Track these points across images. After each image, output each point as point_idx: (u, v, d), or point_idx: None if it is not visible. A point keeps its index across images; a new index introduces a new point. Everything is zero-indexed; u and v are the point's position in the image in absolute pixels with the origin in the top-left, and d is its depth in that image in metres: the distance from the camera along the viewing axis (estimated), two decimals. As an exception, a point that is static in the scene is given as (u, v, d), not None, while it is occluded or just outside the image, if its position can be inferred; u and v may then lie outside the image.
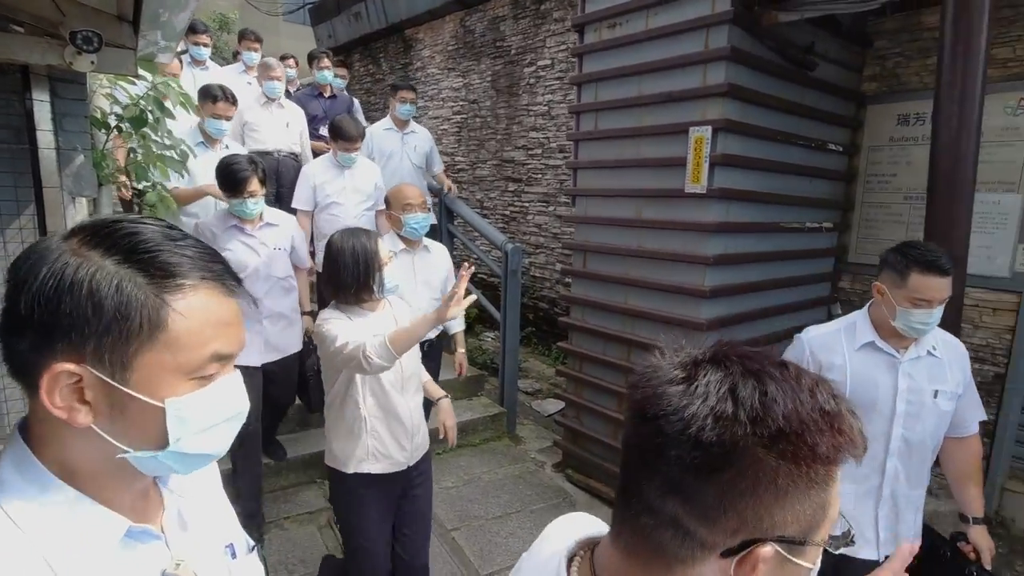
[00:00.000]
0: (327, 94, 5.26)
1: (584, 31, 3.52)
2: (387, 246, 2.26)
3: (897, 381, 1.80)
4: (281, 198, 4.33)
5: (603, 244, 3.49)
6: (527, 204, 5.44)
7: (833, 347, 1.88)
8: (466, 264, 1.94)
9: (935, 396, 1.80)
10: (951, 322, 2.66)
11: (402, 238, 2.98)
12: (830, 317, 3.89)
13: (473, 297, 2.05)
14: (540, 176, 5.43)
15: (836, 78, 3.50)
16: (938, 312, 1.70)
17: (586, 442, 3.64)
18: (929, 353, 1.82)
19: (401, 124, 4.59)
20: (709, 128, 2.88)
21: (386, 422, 2.10)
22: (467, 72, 6.24)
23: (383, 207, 3.19)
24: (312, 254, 3.61)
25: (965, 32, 2.36)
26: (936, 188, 2.55)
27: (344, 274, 2.01)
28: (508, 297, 4.24)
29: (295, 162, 4.57)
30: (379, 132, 4.57)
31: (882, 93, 3.63)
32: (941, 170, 2.52)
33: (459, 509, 3.27)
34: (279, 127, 4.52)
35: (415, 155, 4.64)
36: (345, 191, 3.76)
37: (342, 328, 1.96)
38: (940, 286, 1.67)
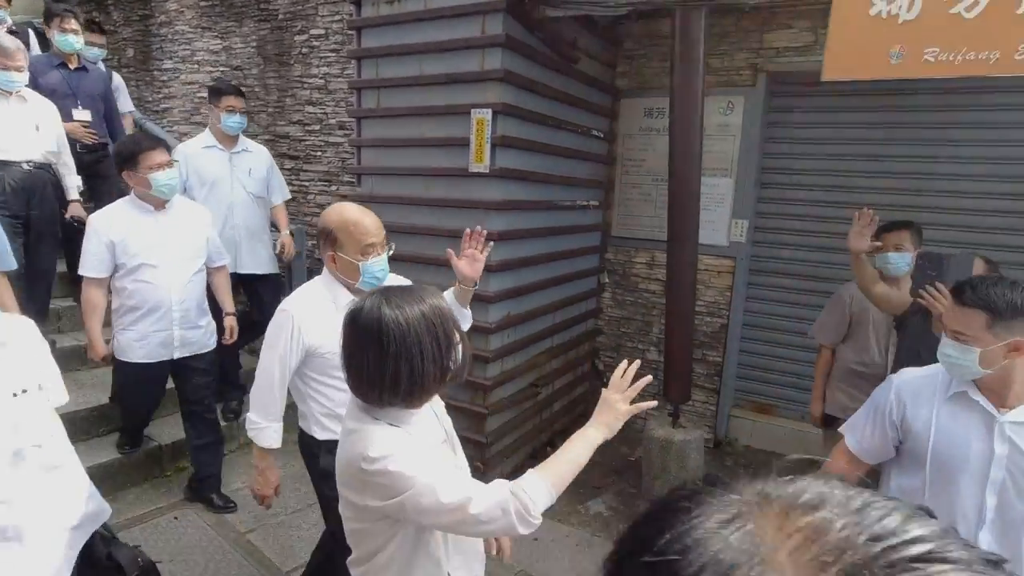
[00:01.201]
0: (73, 65, 3.97)
1: (361, 3, 3.38)
2: (335, 300, 1.86)
3: (994, 444, 1.50)
4: (32, 227, 3.37)
5: (392, 223, 3.42)
6: (307, 183, 5.10)
7: (923, 393, 1.62)
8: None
9: None
10: (687, 283, 3.20)
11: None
12: (599, 285, 4.40)
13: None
14: (320, 154, 5.12)
15: (596, 72, 3.91)
16: (956, 346, 1.50)
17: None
18: None
19: (228, 141, 3.57)
20: (489, 110, 3.00)
21: (468, 566, 1.45)
22: (227, 34, 5.56)
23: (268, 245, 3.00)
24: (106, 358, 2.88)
25: (687, 44, 2.80)
26: (674, 172, 3.01)
27: (421, 364, 1.21)
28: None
29: (51, 176, 3.50)
30: (196, 152, 3.49)
31: (632, 88, 4.15)
32: (676, 157, 2.98)
33: (252, 509, 3.00)
34: (24, 129, 3.28)
35: (251, 181, 3.62)
36: (163, 248, 2.79)
37: (426, 463, 1.21)
38: (955, 314, 1.51)
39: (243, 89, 3.97)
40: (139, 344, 2.81)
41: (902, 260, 2.59)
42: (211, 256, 3.02)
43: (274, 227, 3.87)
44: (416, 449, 1.23)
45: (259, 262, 3.73)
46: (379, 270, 1.88)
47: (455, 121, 3.14)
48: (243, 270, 3.63)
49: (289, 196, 3.92)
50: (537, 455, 3.86)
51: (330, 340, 1.71)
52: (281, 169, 5.25)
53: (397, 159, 3.38)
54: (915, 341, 2.39)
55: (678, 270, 3.10)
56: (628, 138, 4.22)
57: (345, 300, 1.80)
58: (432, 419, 1.40)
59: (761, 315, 4.14)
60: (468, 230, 2.02)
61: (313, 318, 1.84)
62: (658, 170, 4.07)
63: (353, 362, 1.24)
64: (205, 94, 5.90)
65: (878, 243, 2.53)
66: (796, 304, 3.99)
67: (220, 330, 3.14)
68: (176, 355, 2.90)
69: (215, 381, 3.21)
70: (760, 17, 3.67)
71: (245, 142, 3.67)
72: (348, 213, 1.87)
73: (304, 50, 5.00)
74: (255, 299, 3.84)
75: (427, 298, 1.25)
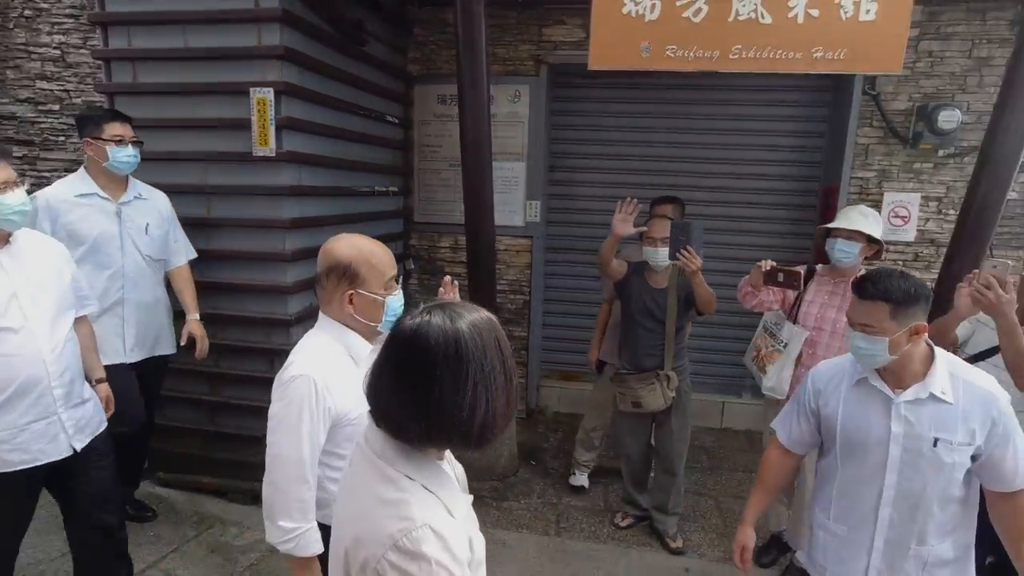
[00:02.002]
0: None
1: (101, -42, 2.91)
2: (351, 352, 1.53)
3: (891, 424, 1.64)
4: None
5: (165, 217, 3.04)
6: (47, 175, 4.26)
7: (833, 381, 1.77)
8: None
9: (935, 445, 1.60)
10: (487, 264, 3.34)
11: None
12: (406, 272, 4.39)
13: None
14: (64, 139, 4.31)
15: (387, 57, 3.86)
16: (864, 338, 1.60)
17: (177, 436, 3.20)
18: (934, 396, 1.61)
19: (115, 186, 2.62)
20: (271, 90, 2.80)
21: None
22: (-88, -12, 4.38)
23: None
24: None
25: (470, 32, 2.89)
26: (466, 158, 3.11)
27: (495, 394, 0.96)
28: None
29: None
30: (68, 203, 2.52)
31: (424, 75, 4.18)
32: (468, 143, 3.07)
33: None
34: None
35: (148, 241, 2.69)
36: (19, 301, 1.92)
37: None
38: (858, 308, 1.62)
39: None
40: (8, 446, 1.91)
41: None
42: (79, 300, 2.20)
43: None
44: (463, 542, 0.98)
45: (159, 343, 2.84)
46: (400, 306, 1.57)
47: (233, 101, 2.87)
48: (133, 358, 2.71)
49: (195, 255, 2.92)
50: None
51: (360, 403, 1.27)
52: (12, 159, 4.33)
53: (164, 143, 2.98)
54: (638, 293, 2.84)
55: (478, 252, 3.22)
56: (424, 124, 4.25)
57: (364, 350, 1.53)
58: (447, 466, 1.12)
59: (560, 289, 4.50)
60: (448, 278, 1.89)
61: (337, 378, 1.46)
62: (455, 156, 4.15)
63: (407, 395, 0.93)
64: None
65: (643, 228, 2.81)
66: (589, 277, 4.40)
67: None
68: (74, 446, 2.04)
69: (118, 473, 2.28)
70: (538, 13, 3.94)
71: (137, 186, 2.70)
72: (363, 243, 1.54)
73: (26, 13, 4.15)
74: (146, 390, 2.80)
75: (485, 313, 1.01)
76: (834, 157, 4.00)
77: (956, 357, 1.71)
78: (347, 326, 1.51)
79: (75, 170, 2.67)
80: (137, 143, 2.61)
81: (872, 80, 3.80)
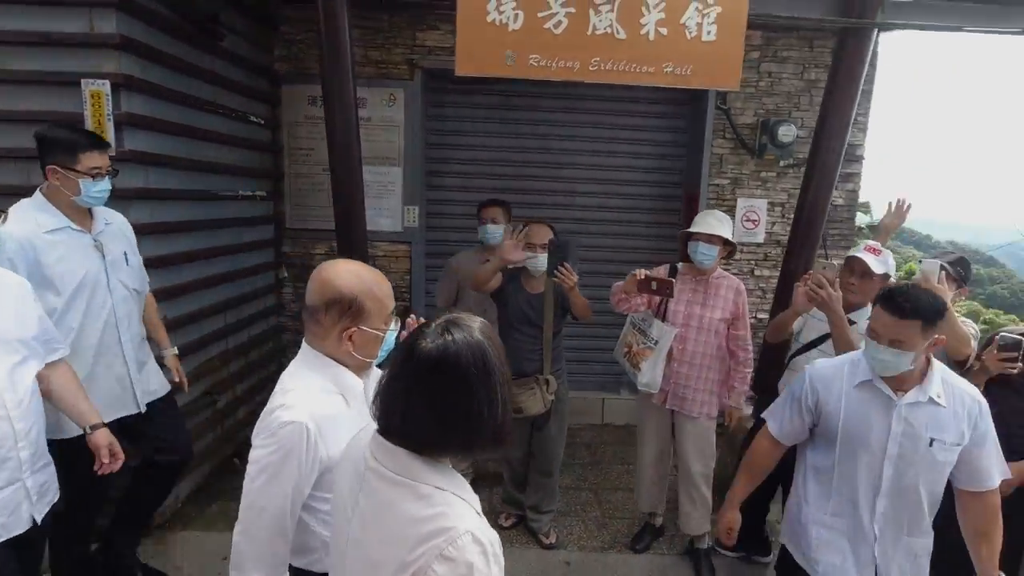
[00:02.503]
0: None
1: None
2: (343, 390, 1.39)
3: (891, 424, 1.76)
4: None
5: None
6: None
7: (833, 381, 1.87)
8: None
9: (930, 444, 1.73)
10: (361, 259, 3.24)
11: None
12: (277, 281, 4.17)
13: None
14: None
15: (250, 54, 3.65)
16: (894, 352, 1.69)
17: None
18: (931, 400, 1.75)
19: (84, 215, 2.22)
20: (107, 83, 2.54)
21: None
22: None
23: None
24: None
25: (333, 32, 2.80)
26: (335, 161, 3.01)
27: (508, 399, 1.02)
28: None
29: None
30: (39, 239, 2.08)
31: (293, 74, 4.01)
32: (336, 146, 2.98)
33: None
34: None
35: (129, 271, 2.35)
36: None
37: None
38: (888, 323, 1.69)
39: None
40: None
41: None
42: (46, 345, 1.85)
43: None
44: (498, 544, 1.00)
45: (154, 382, 2.49)
46: (394, 339, 1.47)
47: (60, 93, 2.57)
48: (141, 406, 2.40)
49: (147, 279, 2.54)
50: (225, 469, 3.49)
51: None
52: None
53: (-23, 138, 2.61)
54: (515, 300, 2.86)
55: (348, 254, 3.12)
56: (294, 126, 4.07)
57: (357, 388, 1.40)
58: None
59: (441, 295, 4.48)
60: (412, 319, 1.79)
61: (329, 423, 1.31)
62: (327, 160, 4.03)
63: (446, 413, 0.96)
64: None
65: (532, 256, 2.77)
66: (469, 282, 4.41)
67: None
68: (35, 517, 1.74)
69: None
70: (411, 17, 3.91)
71: (99, 211, 2.29)
72: (366, 274, 1.39)
73: None
74: (157, 431, 2.47)
75: (479, 319, 1.06)
76: (693, 166, 4.32)
77: (943, 364, 1.84)
78: (339, 362, 1.38)
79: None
80: (113, 173, 2.20)
81: (723, 96, 4.14)
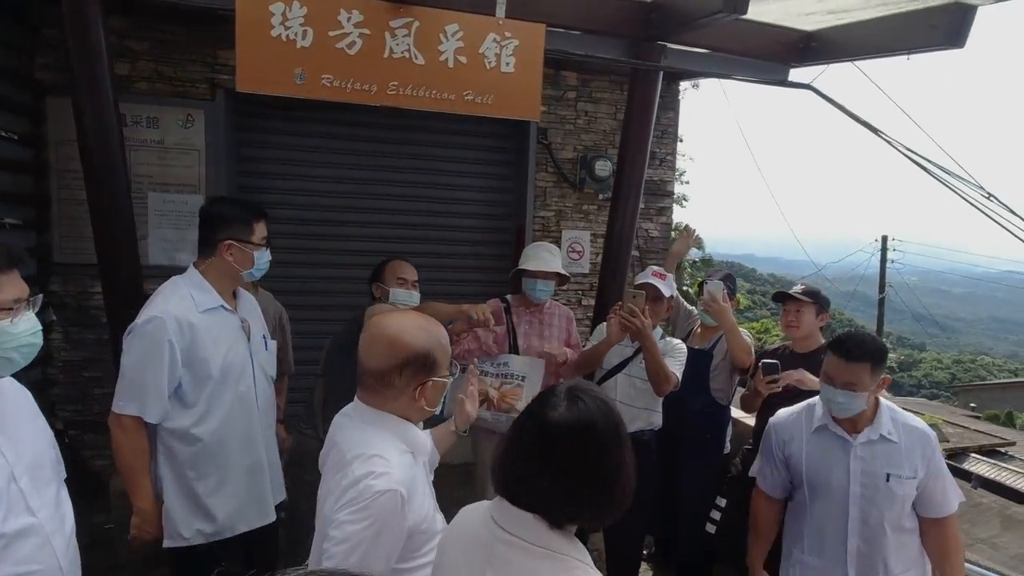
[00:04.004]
0: None
1: None
2: (413, 450, 1.36)
3: (850, 464, 1.85)
4: None
5: None
6: None
7: (794, 430, 1.98)
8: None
9: (887, 480, 1.83)
10: (132, 300, 2.81)
11: None
12: (47, 326, 3.51)
13: None
14: None
15: (4, 60, 3.11)
16: (848, 395, 1.79)
17: None
18: (883, 437, 1.85)
19: (228, 292, 2.02)
20: None
21: None
22: None
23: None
24: None
25: (81, 31, 2.44)
26: (92, 187, 2.60)
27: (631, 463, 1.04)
28: None
29: None
30: (196, 316, 1.87)
31: (62, 86, 3.47)
32: (93, 168, 2.57)
33: None
34: None
35: (266, 359, 2.12)
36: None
37: None
38: (842, 369, 1.79)
39: None
40: None
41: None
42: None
43: None
44: None
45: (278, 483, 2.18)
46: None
47: None
48: (268, 518, 2.09)
49: None
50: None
51: (426, 507, 1.33)
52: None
53: None
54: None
55: (120, 300, 2.68)
56: (64, 145, 3.50)
57: (426, 445, 1.41)
58: None
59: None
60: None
61: (411, 485, 1.26)
62: (109, 184, 3.53)
63: (579, 483, 0.97)
64: None
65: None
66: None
67: None
68: None
69: None
70: (210, 31, 3.59)
71: (240, 289, 2.12)
72: (425, 323, 1.36)
73: None
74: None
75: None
76: (520, 199, 4.38)
77: (891, 403, 1.94)
78: (406, 418, 1.33)
79: None
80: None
81: (544, 132, 4.27)
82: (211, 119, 3.68)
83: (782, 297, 2.63)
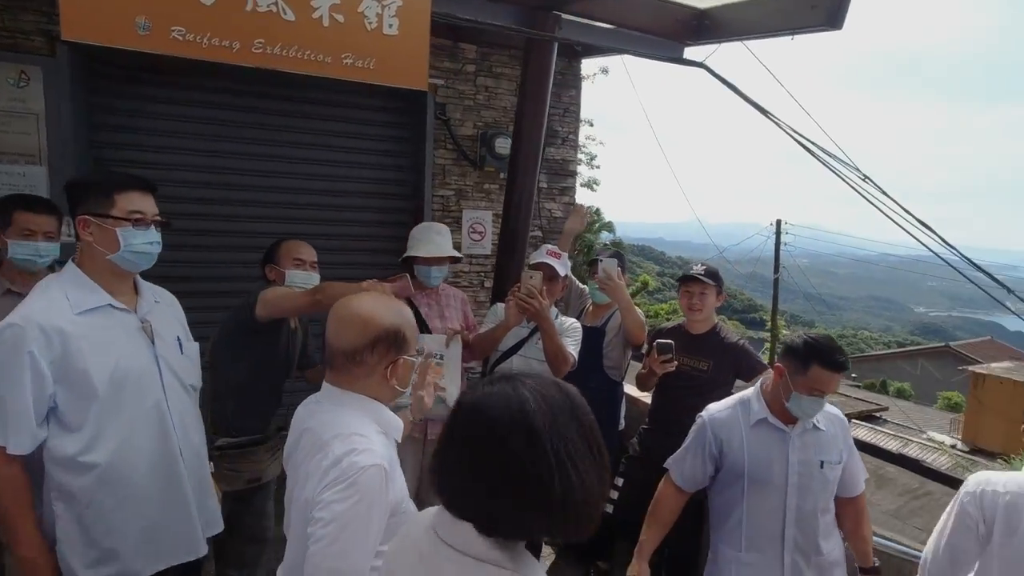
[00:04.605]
0: None
1: None
2: (387, 431, 1.36)
3: (788, 455, 1.90)
4: None
5: None
6: None
7: (732, 426, 1.97)
8: None
9: (821, 466, 1.91)
10: None
11: None
12: None
13: None
14: None
15: None
16: (820, 401, 1.84)
17: None
18: (815, 427, 1.93)
19: (125, 287, 1.67)
20: None
21: None
22: None
23: None
24: None
25: None
26: None
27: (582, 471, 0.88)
28: None
29: None
30: (70, 324, 1.49)
31: None
32: None
33: None
34: None
35: (183, 361, 1.75)
36: None
37: None
38: (836, 380, 1.81)
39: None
40: None
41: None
42: None
43: None
44: None
45: (213, 509, 1.82)
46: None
47: None
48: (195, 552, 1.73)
49: None
50: None
51: (404, 488, 1.29)
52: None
53: None
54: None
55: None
56: None
57: (400, 425, 1.39)
58: None
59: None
60: None
61: (392, 464, 1.24)
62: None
63: (472, 474, 0.84)
64: None
65: None
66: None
67: None
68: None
69: None
70: (46, -24, 3.09)
71: (143, 284, 1.72)
72: (392, 303, 1.36)
73: None
74: None
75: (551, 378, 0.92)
76: (418, 176, 4.17)
77: None
78: (377, 399, 1.33)
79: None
80: (163, 224, 1.65)
81: (442, 107, 4.07)
82: (52, 79, 3.19)
83: (688, 279, 2.61)
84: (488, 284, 4.34)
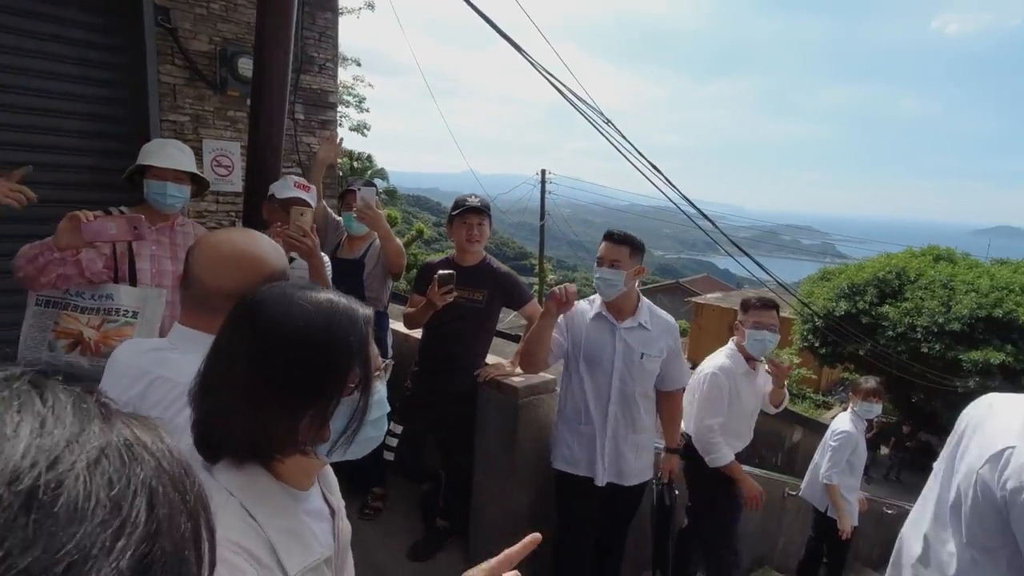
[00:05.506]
0: None
1: None
2: None
3: (615, 343, 2.40)
4: None
5: None
6: None
7: (581, 314, 2.48)
8: None
9: (641, 358, 2.40)
10: None
11: None
12: None
13: None
14: None
15: None
16: (613, 272, 2.38)
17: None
18: (641, 325, 2.44)
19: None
20: None
21: None
22: None
23: None
24: None
25: None
26: None
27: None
28: None
29: None
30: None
31: None
32: None
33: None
34: None
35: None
36: None
37: None
38: (610, 250, 2.41)
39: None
40: None
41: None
42: None
43: None
44: None
45: None
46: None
47: None
48: None
49: None
50: None
51: None
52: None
53: None
54: None
55: None
56: None
57: None
58: (325, 518, 0.96)
59: None
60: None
61: None
62: None
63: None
64: None
65: None
66: None
67: None
68: None
69: None
70: None
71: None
72: (275, 242, 1.32)
73: None
74: None
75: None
76: (140, 97, 3.47)
77: (649, 301, 2.52)
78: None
79: None
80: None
81: (166, 12, 3.41)
82: None
83: (468, 211, 2.60)
84: (239, 225, 3.88)
